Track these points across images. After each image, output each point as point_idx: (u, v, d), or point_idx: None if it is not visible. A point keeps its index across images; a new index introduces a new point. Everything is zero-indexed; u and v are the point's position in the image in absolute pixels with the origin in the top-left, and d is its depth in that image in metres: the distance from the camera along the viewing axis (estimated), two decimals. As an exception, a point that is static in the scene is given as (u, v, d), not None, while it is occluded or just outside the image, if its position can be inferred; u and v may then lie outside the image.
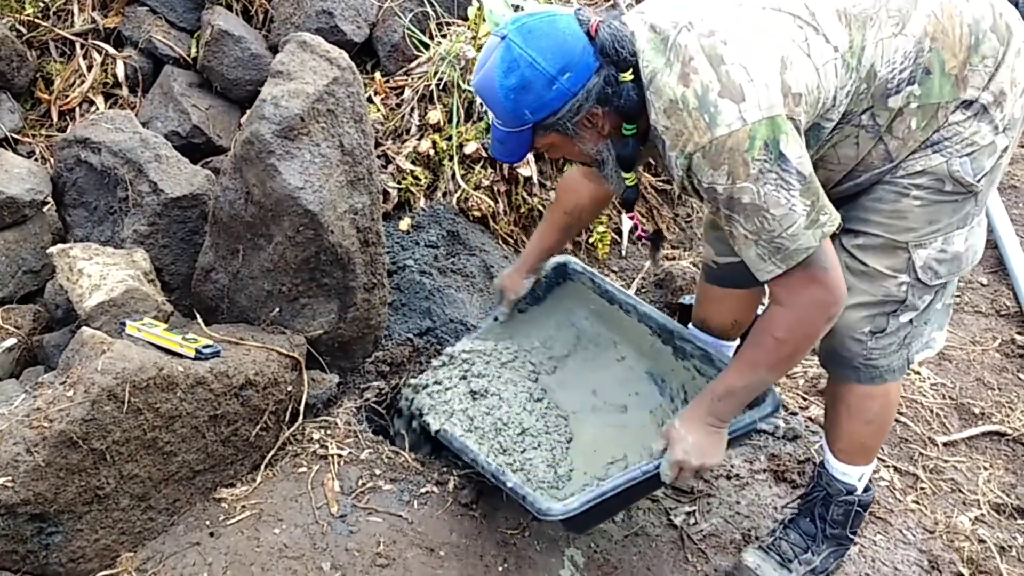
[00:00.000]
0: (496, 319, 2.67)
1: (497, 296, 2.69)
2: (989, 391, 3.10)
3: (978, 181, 1.92)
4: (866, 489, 2.28)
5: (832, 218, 1.80)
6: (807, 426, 2.80)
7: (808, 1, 1.83)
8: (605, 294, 2.59)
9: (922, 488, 2.63)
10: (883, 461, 2.71)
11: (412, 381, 2.54)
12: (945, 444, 2.82)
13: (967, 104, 1.88)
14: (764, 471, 2.63)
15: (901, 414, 2.91)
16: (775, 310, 1.90)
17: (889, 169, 1.95)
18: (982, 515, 2.55)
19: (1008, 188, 4.60)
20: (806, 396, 2.97)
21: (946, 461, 2.75)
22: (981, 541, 2.45)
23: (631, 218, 2.24)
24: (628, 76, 1.79)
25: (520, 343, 2.66)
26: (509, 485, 2.17)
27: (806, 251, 1.78)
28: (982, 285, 3.87)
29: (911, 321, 2.05)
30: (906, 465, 2.70)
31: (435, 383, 2.50)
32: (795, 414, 2.87)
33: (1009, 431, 2.88)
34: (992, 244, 4.20)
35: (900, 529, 2.47)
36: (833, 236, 2.03)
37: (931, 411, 2.94)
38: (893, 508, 2.53)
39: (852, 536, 2.31)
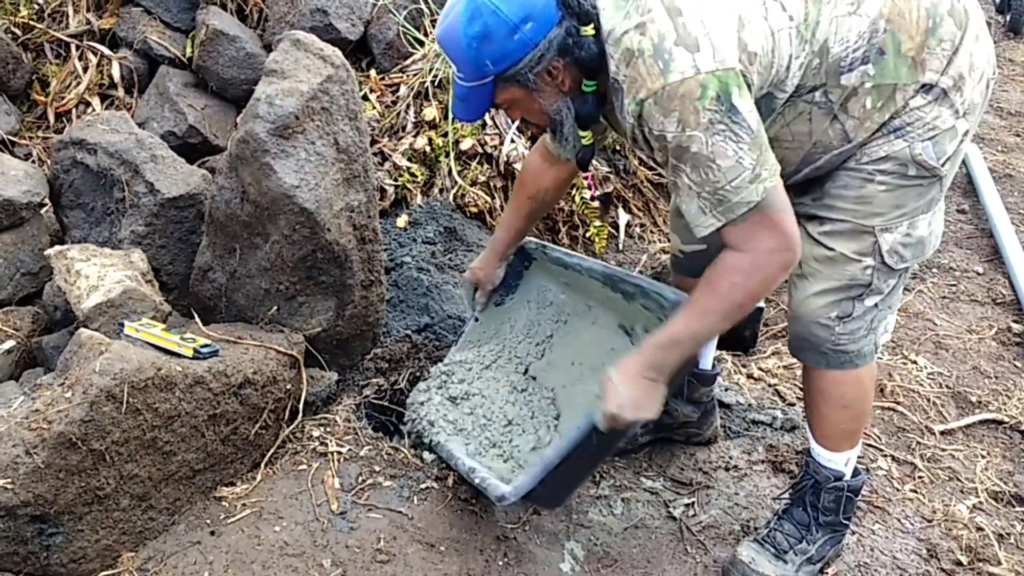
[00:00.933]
0: (476, 319, 2.66)
1: (468, 291, 2.68)
2: (986, 379, 3.10)
3: (942, 165, 1.94)
4: (856, 473, 2.29)
5: (772, 171, 1.80)
6: (804, 416, 2.81)
7: None
8: (557, 261, 2.59)
9: (920, 477, 2.64)
10: (880, 450, 2.72)
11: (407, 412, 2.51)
12: (942, 433, 2.83)
13: (927, 88, 1.89)
14: (763, 462, 2.64)
15: (898, 403, 2.92)
16: (729, 255, 1.87)
17: (849, 151, 1.96)
18: (980, 503, 2.56)
19: (1003, 177, 4.60)
20: (802, 386, 2.97)
21: (943, 450, 2.76)
22: (979, 529, 2.45)
23: (585, 178, 2.26)
24: (589, 30, 1.81)
25: (504, 340, 2.64)
26: (476, 480, 2.16)
27: (747, 205, 1.79)
28: (978, 274, 3.88)
29: (876, 305, 2.07)
30: (903, 454, 2.71)
31: (417, 404, 2.48)
32: (792, 404, 2.88)
33: (1006, 419, 2.89)
34: (988, 233, 4.21)
35: (898, 518, 2.47)
36: (801, 223, 2.02)
37: (928, 400, 2.95)
38: (891, 497, 2.54)
39: (846, 522, 2.32)
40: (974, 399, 2.98)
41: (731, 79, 1.74)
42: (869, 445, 2.73)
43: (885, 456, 2.70)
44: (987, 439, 2.84)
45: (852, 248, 2.01)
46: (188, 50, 3.36)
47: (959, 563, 2.35)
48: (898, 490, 2.57)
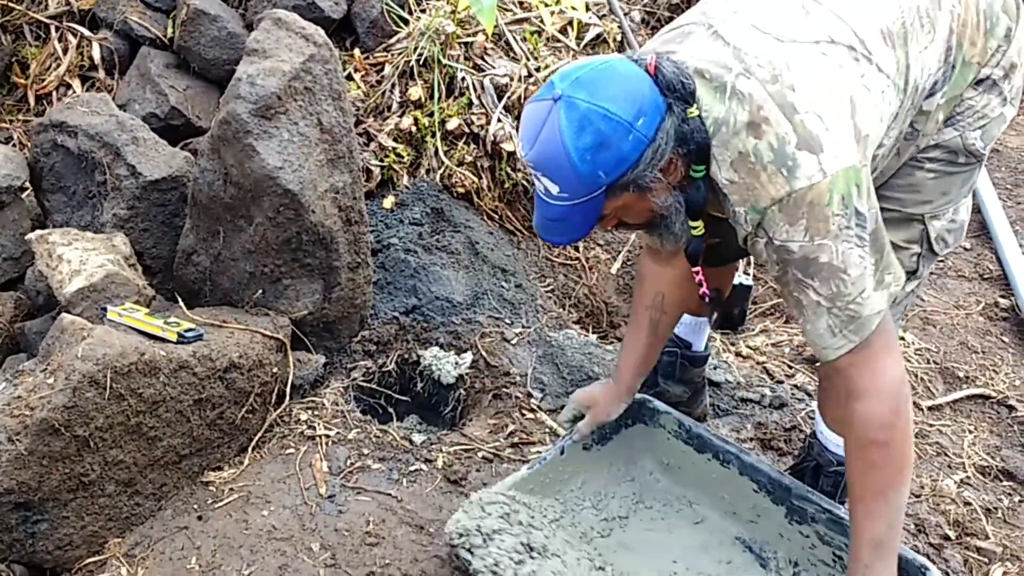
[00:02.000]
0: (562, 452, 2.25)
1: (570, 412, 2.30)
2: (973, 355, 3.11)
3: (986, 149, 1.92)
4: None
5: (897, 276, 1.70)
6: (793, 394, 2.81)
7: (855, 26, 1.71)
8: (695, 440, 2.28)
9: (908, 453, 2.65)
10: (869, 427, 2.72)
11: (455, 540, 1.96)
12: (930, 408, 2.83)
13: (979, 81, 1.86)
14: (751, 440, 2.64)
15: (887, 380, 2.92)
16: (858, 410, 1.70)
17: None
18: (967, 477, 2.57)
19: (991, 153, 4.60)
20: (791, 364, 2.98)
21: (931, 425, 2.76)
22: (967, 503, 2.46)
23: (696, 273, 2.03)
24: (694, 111, 1.63)
25: (566, 497, 2.27)
26: None
27: (878, 315, 1.65)
28: (965, 250, 3.88)
29: (913, 291, 2.04)
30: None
31: (485, 531, 2.00)
32: (781, 382, 2.88)
33: (993, 394, 2.90)
34: (976, 209, 4.21)
35: (886, 494, 2.48)
36: None
37: (916, 376, 2.95)
38: (879, 473, 2.55)
39: (841, 506, 2.31)
40: (961, 374, 2.99)
41: (853, 177, 1.61)
42: (857, 422, 2.74)
43: (873, 432, 2.70)
44: (974, 414, 2.85)
45: (901, 236, 1.94)
46: (169, 30, 3.31)
47: (947, 537, 2.36)
48: (886, 466, 2.58)
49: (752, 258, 3.61)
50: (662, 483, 2.36)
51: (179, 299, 2.43)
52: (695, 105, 1.63)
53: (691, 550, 2.19)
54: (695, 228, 1.79)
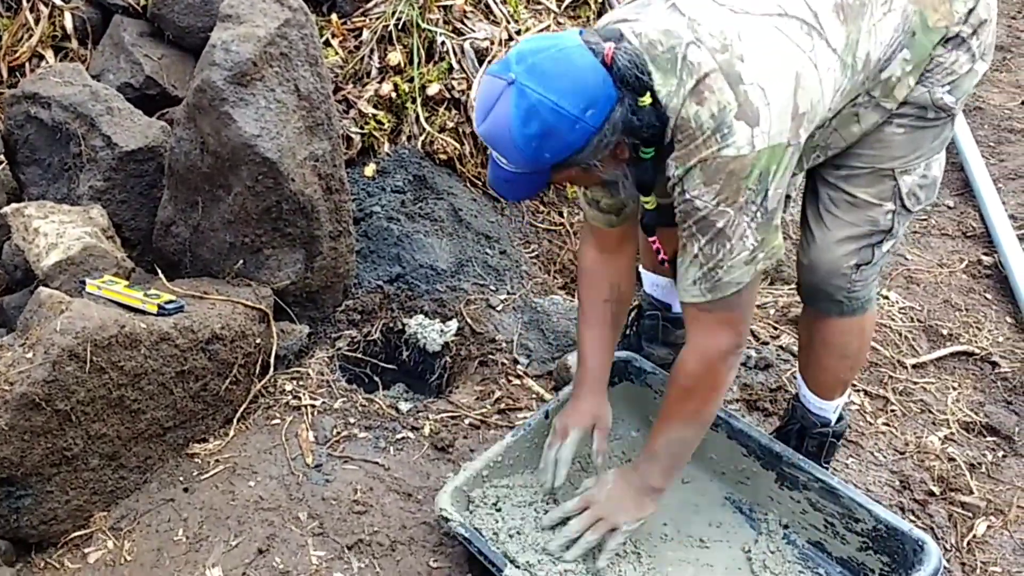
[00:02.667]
0: (546, 415, 2.25)
1: (573, 446, 2.14)
2: (957, 312, 3.12)
3: (958, 104, 1.91)
4: (840, 419, 2.30)
5: (769, 255, 1.77)
6: (778, 355, 2.82)
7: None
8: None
9: (892, 410, 2.66)
10: (854, 386, 2.72)
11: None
12: (914, 366, 2.84)
13: (947, 39, 1.85)
14: (737, 400, 2.65)
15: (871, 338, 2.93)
16: (683, 354, 1.90)
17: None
18: (951, 434, 2.58)
19: (973, 110, 4.59)
20: (776, 325, 2.98)
21: (915, 383, 2.77)
22: (951, 459, 2.48)
23: (652, 243, 2.05)
24: (647, 100, 1.66)
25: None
26: None
27: (736, 286, 1.76)
28: (948, 208, 3.88)
29: (889, 250, 2.05)
30: (876, 389, 2.73)
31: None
32: (766, 343, 2.88)
33: (977, 350, 2.91)
34: (959, 167, 4.21)
35: (871, 451, 2.49)
36: (817, 169, 2.01)
37: (900, 334, 2.96)
38: (864, 431, 2.56)
39: (826, 466, 2.33)
40: (945, 332, 3.00)
41: (777, 156, 1.67)
42: (842, 381, 2.75)
43: (858, 391, 2.71)
44: (958, 371, 2.86)
45: (873, 192, 1.96)
46: (142, -2, 3.26)
47: (931, 493, 2.38)
48: (871, 424, 2.59)
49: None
50: (644, 438, 2.36)
51: (159, 271, 2.41)
52: (647, 94, 1.66)
53: (682, 510, 2.20)
54: (647, 203, 1.87)
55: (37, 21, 3.26)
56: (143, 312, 2.11)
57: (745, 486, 2.22)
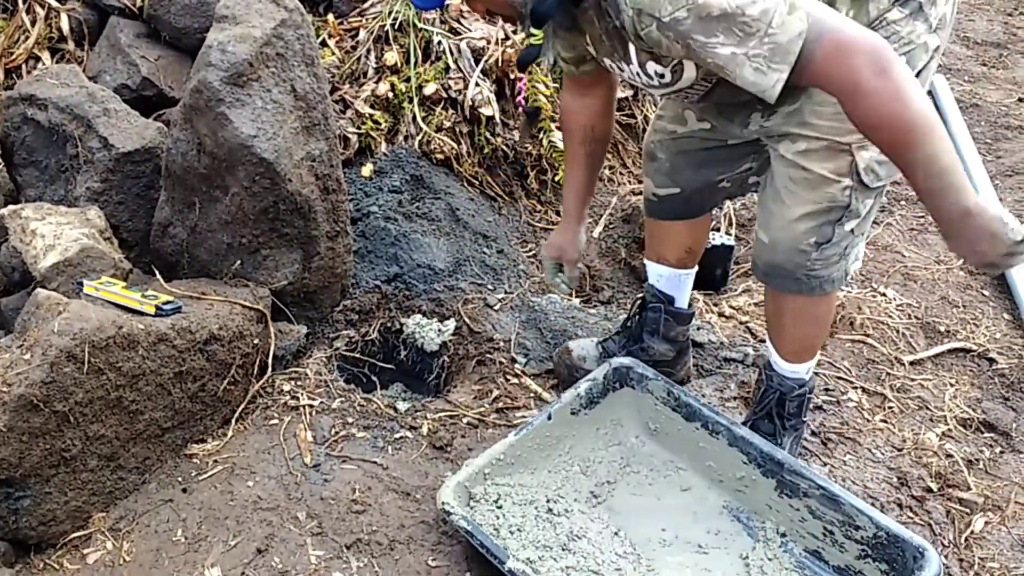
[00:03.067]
0: (549, 417, 2.28)
1: (552, 269, 2.51)
2: (954, 309, 3.12)
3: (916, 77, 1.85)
4: (812, 381, 2.37)
5: None
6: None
7: None
8: (683, 408, 2.30)
9: (890, 407, 2.66)
10: (851, 382, 2.73)
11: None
12: (912, 363, 2.85)
13: (903, 2, 1.85)
14: (735, 399, 2.65)
15: (868, 335, 2.93)
16: (859, 108, 1.60)
17: None
18: (949, 430, 2.59)
19: (970, 107, 4.60)
20: (775, 323, 2.98)
21: (913, 379, 2.78)
22: (948, 456, 2.48)
23: (518, 79, 2.12)
24: None
25: (556, 470, 2.28)
26: None
27: (799, 37, 1.57)
28: (947, 205, 3.89)
29: (852, 230, 2.04)
30: (874, 385, 2.73)
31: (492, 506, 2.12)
32: (763, 341, 2.88)
33: (974, 347, 2.92)
34: (956, 163, 4.21)
35: (869, 448, 2.50)
36: (775, 146, 2.02)
37: (897, 331, 2.97)
38: (862, 428, 2.56)
39: (804, 419, 2.40)
40: (942, 328, 3.00)
41: None
42: (840, 377, 2.75)
43: (856, 388, 2.72)
44: (956, 367, 2.86)
45: (829, 168, 1.95)
46: None
47: (929, 490, 2.38)
48: (868, 421, 2.60)
49: (733, 219, 3.62)
50: (647, 447, 2.38)
51: (156, 272, 2.41)
52: None
53: (680, 517, 2.21)
54: (535, 36, 1.94)
55: (33, 23, 3.26)
56: (141, 313, 2.12)
57: (743, 494, 2.23)
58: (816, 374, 2.74)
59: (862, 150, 1.93)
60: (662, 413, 2.37)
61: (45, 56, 3.23)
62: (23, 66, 3.25)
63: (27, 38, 3.25)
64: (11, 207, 2.35)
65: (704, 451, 2.29)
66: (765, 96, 1.66)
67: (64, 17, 3.24)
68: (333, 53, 3.24)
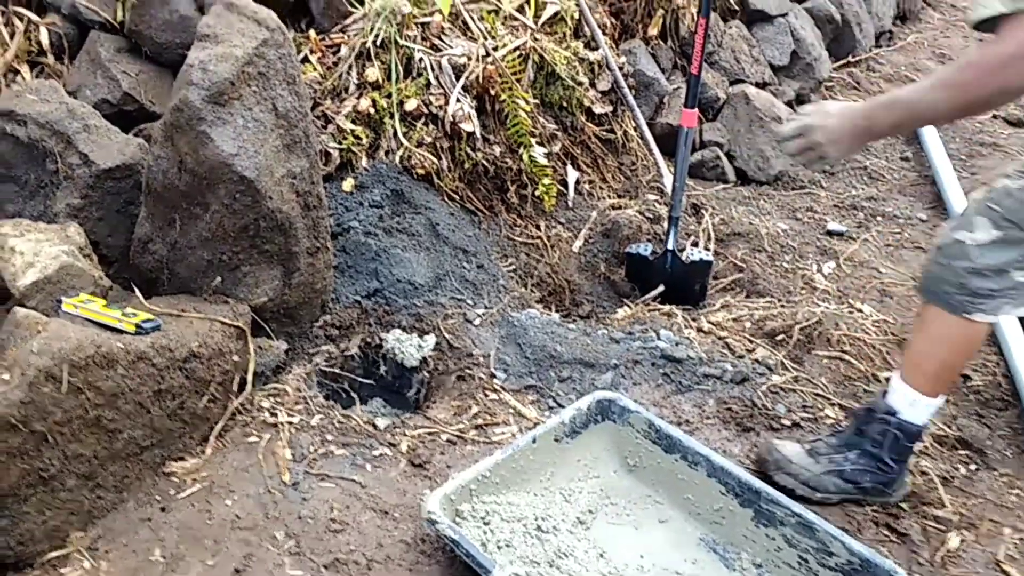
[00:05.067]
0: (533, 440, 2.29)
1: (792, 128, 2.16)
2: (930, 326, 3.15)
3: None
4: (915, 423, 2.30)
5: None
6: (754, 368, 2.85)
7: None
8: (664, 440, 2.34)
9: (866, 424, 2.68)
10: (828, 399, 2.76)
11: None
12: (888, 379, 2.87)
13: None
14: (713, 416, 2.67)
15: (844, 352, 2.96)
16: (980, 49, 1.81)
17: None
18: (924, 447, 2.61)
19: (946, 125, 4.65)
20: (752, 339, 3.01)
21: (889, 397, 2.81)
22: (923, 473, 2.51)
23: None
24: None
25: (540, 493, 2.29)
26: None
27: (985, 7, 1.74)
28: (921, 221, 3.94)
29: None
30: (850, 402, 2.75)
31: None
32: (742, 357, 2.91)
33: (949, 364, 2.95)
34: (930, 180, 4.27)
35: (845, 466, 2.52)
36: None
37: (874, 347, 3.00)
38: (838, 445, 2.58)
39: (891, 464, 2.32)
40: (918, 345, 3.03)
41: None
42: (817, 394, 2.78)
43: (832, 405, 2.74)
44: (931, 384, 2.89)
45: None
46: (119, 14, 3.24)
47: (905, 508, 2.41)
48: (845, 438, 2.62)
49: (712, 234, 3.65)
50: (625, 482, 2.40)
51: (136, 289, 2.40)
52: None
53: (658, 547, 2.21)
54: None
55: (12, 36, 3.25)
56: (121, 331, 2.11)
57: (720, 526, 2.24)
58: (793, 390, 2.78)
59: None
60: (642, 446, 2.39)
61: (24, 70, 3.21)
62: (2, 80, 3.24)
63: (6, 51, 3.24)
64: (-10, 223, 2.34)
65: (683, 483, 2.31)
66: (974, 9, 1.79)
67: (44, 31, 3.23)
68: (315, 69, 3.25)
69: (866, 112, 2.00)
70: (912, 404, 2.29)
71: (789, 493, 2.29)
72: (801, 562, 2.10)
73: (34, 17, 3.25)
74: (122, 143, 2.58)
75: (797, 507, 2.12)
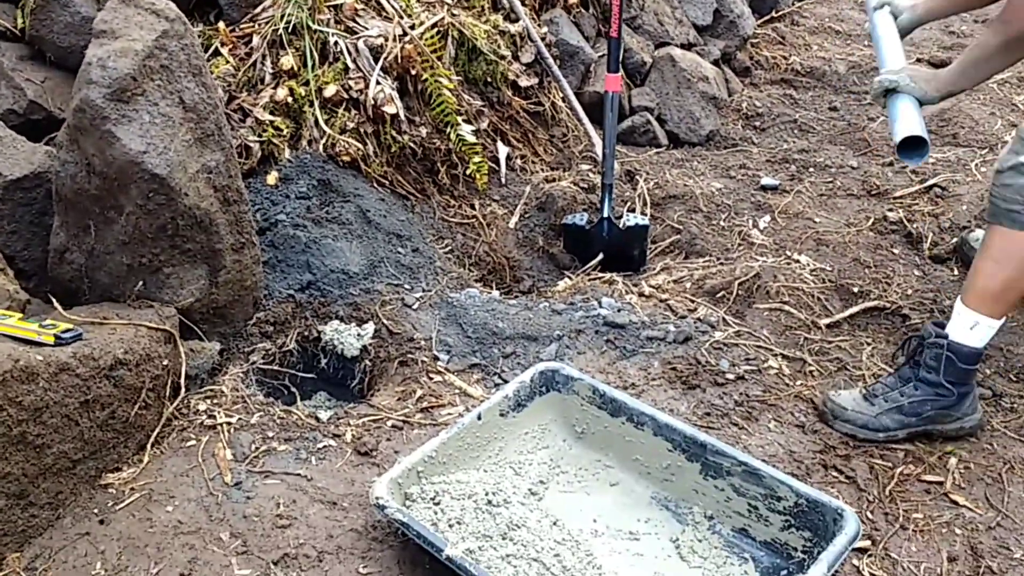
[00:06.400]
0: (479, 417, 2.28)
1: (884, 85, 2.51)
2: (866, 269, 3.19)
3: None
4: (972, 347, 2.35)
5: None
6: (697, 327, 2.84)
7: None
8: (609, 405, 2.33)
9: (810, 371, 2.70)
10: (770, 350, 2.77)
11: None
12: (828, 326, 2.89)
13: None
14: (659, 377, 2.66)
15: (784, 303, 2.97)
16: None
17: None
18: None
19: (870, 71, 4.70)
20: (694, 298, 3.01)
21: (830, 342, 2.82)
22: (868, 414, 2.53)
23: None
24: None
25: (490, 470, 2.27)
26: None
27: None
28: (852, 168, 3.97)
29: None
30: (793, 351, 2.77)
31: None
32: (684, 317, 2.90)
33: (887, 305, 2.98)
34: (860, 128, 4.30)
35: (792, 412, 2.53)
36: None
37: (812, 296, 3.01)
38: (782, 394, 2.59)
39: (950, 388, 2.36)
40: (856, 290, 3.06)
41: None
42: (759, 346, 2.78)
43: (775, 355, 2.75)
44: (871, 327, 2.92)
45: None
46: (19, 21, 3.13)
47: (852, 448, 2.42)
48: (789, 386, 2.63)
49: (648, 198, 3.64)
50: (575, 449, 2.39)
51: (54, 300, 2.32)
52: None
53: (610, 509, 2.22)
54: None
55: (-92, 52, 3.12)
56: (39, 344, 2.04)
57: (670, 483, 2.25)
58: (735, 344, 2.78)
59: None
60: (588, 413, 2.38)
61: (-76, 86, 3.09)
62: (-100, 98, 3.11)
63: (-97, 69, 3.11)
64: None
65: (631, 445, 2.30)
66: None
67: (-59, 44, 3.11)
68: (227, 62, 3.17)
69: (949, 81, 2.39)
70: (973, 327, 2.35)
71: (852, 439, 2.42)
72: (751, 509, 2.10)
73: (-71, 31, 3.13)
74: (29, 152, 2.49)
75: (743, 456, 2.13)
